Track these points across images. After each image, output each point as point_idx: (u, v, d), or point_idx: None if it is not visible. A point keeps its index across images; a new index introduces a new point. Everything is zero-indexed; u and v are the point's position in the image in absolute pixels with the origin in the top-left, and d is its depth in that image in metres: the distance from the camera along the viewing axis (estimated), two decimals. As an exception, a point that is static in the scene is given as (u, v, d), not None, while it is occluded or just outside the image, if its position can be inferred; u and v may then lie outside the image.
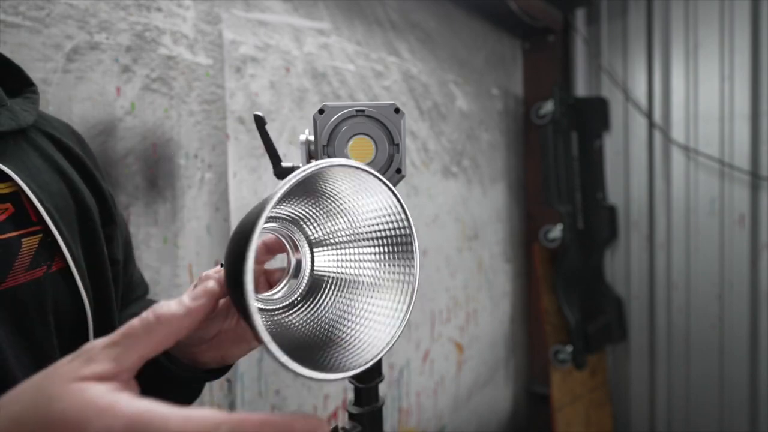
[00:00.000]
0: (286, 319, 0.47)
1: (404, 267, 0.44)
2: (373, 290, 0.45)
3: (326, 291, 0.48)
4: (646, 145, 2.08)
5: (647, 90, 2.07)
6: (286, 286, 0.52)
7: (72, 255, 0.47)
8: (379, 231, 0.45)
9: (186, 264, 0.94)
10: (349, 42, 1.31)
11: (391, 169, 0.49)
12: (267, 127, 0.51)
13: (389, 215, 0.43)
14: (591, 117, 2.05)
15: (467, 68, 1.78)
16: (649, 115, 2.06)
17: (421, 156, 1.54)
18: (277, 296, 0.50)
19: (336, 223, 0.47)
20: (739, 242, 1.93)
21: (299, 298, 0.49)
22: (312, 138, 0.49)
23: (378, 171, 0.49)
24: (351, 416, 0.52)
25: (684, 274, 2.04)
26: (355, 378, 0.53)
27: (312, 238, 0.50)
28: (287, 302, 0.49)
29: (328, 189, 0.44)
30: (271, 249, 0.53)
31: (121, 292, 0.57)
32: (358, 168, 0.39)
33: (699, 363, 2.03)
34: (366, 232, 0.46)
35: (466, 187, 1.77)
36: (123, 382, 0.30)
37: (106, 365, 0.29)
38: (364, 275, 0.46)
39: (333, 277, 0.48)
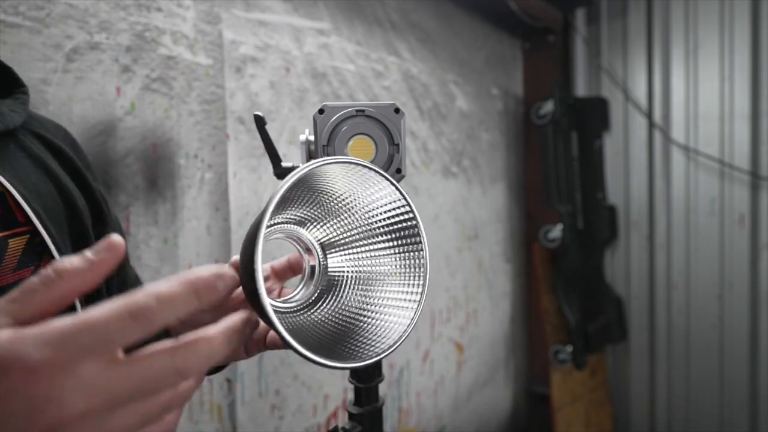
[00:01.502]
0: (305, 318, 0.48)
1: (415, 253, 0.45)
2: (388, 280, 0.46)
3: (342, 288, 0.49)
4: (646, 145, 2.08)
5: (647, 90, 2.07)
6: (303, 289, 0.52)
7: (61, 255, 0.47)
8: (386, 223, 0.46)
9: (186, 264, 0.95)
10: (349, 42, 1.31)
11: (391, 169, 0.49)
12: (267, 127, 0.51)
13: (392, 206, 0.45)
14: (591, 117, 2.05)
15: (467, 68, 1.78)
16: (649, 115, 2.06)
17: (421, 156, 1.54)
18: (294, 299, 0.51)
19: (343, 222, 0.48)
20: (739, 242, 1.93)
21: (316, 298, 0.50)
22: (312, 138, 0.49)
23: (378, 171, 0.50)
24: (351, 416, 0.53)
25: (684, 274, 2.04)
26: (355, 378, 0.53)
27: (323, 240, 0.50)
28: (304, 303, 0.50)
29: (331, 188, 0.44)
30: (294, 269, 0.55)
31: (115, 292, 0.57)
32: (355, 164, 0.39)
33: (699, 363, 2.03)
34: (373, 226, 0.47)
35: (466, 187, 1.77)
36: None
37: (2, 320, 0.26)
38: (378, 268, 0.47)
39: (347, 275, 0.49)
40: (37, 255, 0.47)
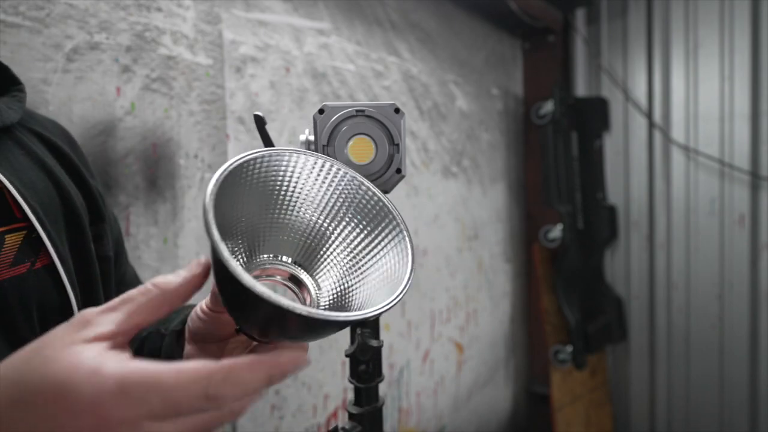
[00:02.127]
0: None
1: (389, 223, 0.42)
2: (375, 257, 0.43)
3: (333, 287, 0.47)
4: (646, 145, 2.08)
5: (647, 90, 2.07)
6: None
7: (57, 251, 0.48)
8: (345, 203, 0.43)
9: (186, 264, 0.94)
10: (349, 42, 1.31)
11: (391, 169, 0.49)
12: (267, 127, 0.51)
13: (342, 183, 0.42)
14: (591, 117, 2.05)
15: (467, 68, 1.78)
16: (649, 115, 2.06)
17: (421, 156, 1.54)
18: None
19: (304, 223, 0.44)
20: (739, 242, 1.93)
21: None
22: (312, 138, 0.49)
23: (378, 171, 0.49)
24: (351, 416, 0.53)
25: (684, 274, 2.04)
26: (355, 378, 0.53)
27: (299, 261, 0.47)
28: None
29: (278, 186, 0.42)
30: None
31: (113, 288, 0.58)
32: (265, 153, 0.37)
33: (699, 363, 2.03)
34: (334, 217, 0.44)
35: (466, 187, 1.77)
36: (119, 345, 0.30)
37: (104, 328, 0.29)
38: (362, 256, 0.44)
39: (340, 284, 0.46)
40: (33, 251, 0.47)
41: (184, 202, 0.95)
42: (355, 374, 0.52)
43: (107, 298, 0.55)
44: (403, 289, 0.37)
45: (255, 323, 0.36)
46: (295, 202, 0.43)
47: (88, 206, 0.55)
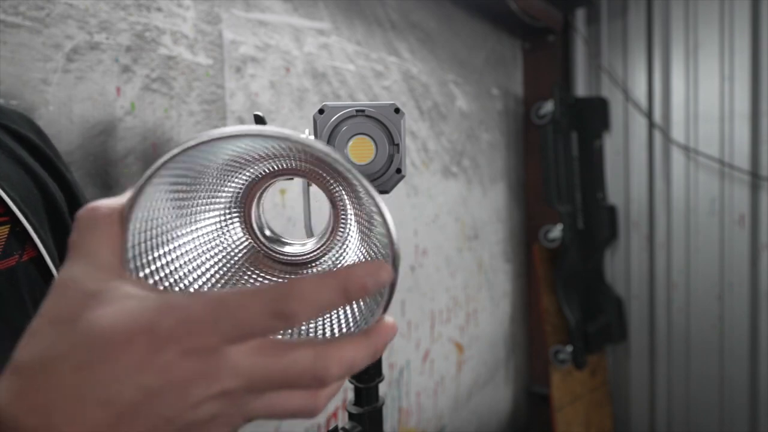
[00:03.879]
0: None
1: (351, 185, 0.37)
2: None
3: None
4: (646, 145, 2.08)
5: (647, 90, 2.07)
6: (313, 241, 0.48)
7: (43, 243, 0.48)
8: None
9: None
10: (349, 42, 1.31)
11: (391, 169, 0.49)
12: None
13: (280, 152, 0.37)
14: (591, 117, 2.05)
15: (467, 68, 1.78)
16: (649, 115, 2.06)
17: (421, 156, 1.54)
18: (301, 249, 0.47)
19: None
20: (739, 242, 1.93)
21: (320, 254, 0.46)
22: (312, 138, 0.49)
23: (378, 171, 0.49)
24: (351, 416, 0.53)
25: (684, 274, 2.04)
26: (355, 378, 0.53)
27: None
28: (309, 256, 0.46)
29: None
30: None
31: None
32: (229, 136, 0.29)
33: (699, 363, 2.03)
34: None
35: (466, 187, 1.77)
36: (127, 276, 0.28)
37: (100, 274, 0.27)
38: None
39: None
40: (19, 243, 0.47)
41: (184, 202, 0.95)
42: (354, 374, 0.52)
43: None
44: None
45: None
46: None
47: (66, 197, 0.55)
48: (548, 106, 1.90)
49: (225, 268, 0.40)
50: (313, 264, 0.46)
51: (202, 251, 0.39)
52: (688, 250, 2.02)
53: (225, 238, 0.42)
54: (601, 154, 2.10)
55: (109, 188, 0.83)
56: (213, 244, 0.40)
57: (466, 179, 1.76)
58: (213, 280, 0.38)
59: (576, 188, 1.98)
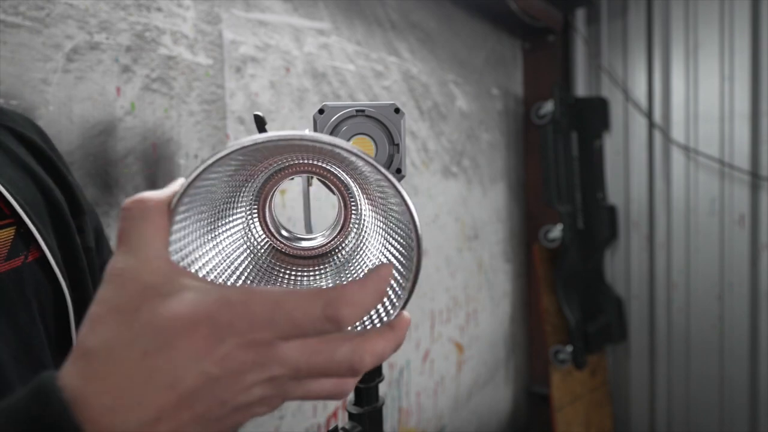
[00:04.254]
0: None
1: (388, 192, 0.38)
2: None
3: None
4: (646, 145, 2.08)
5: (647, 90, 2.07)
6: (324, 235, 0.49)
7: (47, 244, 0.49)
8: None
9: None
10: (349, 42, 1.31)
11: (391, 169, 0.49)
12: (267, 127, 0.51)
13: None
14: (591, 117, 2.05)
15: (467, 68, 1.78)
16: (649, 115, 2.06)
17: (421, 156, 1.54)
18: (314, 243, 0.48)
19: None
20: (739, 242, 1.93)
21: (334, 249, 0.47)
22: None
23: (378, 171, 0.49)
24: (351, 416, 0.53)
25: (684, 274, 2.04)
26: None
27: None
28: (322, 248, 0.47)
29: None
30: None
31: (98, 277, 0.58)
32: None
33: (699, 363, 2.03)
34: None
35: (466, 187, 1.77)
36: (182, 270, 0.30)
37: (156, 264, 0.28)
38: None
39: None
40: (24, 245, 0.48)
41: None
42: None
43: (94, 288, 0.56)
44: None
45: None
46: None
47: (67, 199, 0.56)
48: (548, 106, 1.90)
49: (257, 267, 0.43)
50: (333, 254, 0.48)
51: (232, 249, 0.41)
52: (688, 250, 2.02)
53: (249, 237, 0.45)
54: (601, 154, 2.10)
55: (109, 188, 0.83)
56: (239, 243, 0.43)
57: (466, 179, 1.76)
58: (249, 278, 0.41)
59: (576, 188, 1.98)
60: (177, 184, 0.31)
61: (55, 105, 0.76)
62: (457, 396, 1.74)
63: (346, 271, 0.45)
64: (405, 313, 0.33)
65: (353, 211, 0.47)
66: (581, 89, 2.12)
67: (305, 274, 0.46)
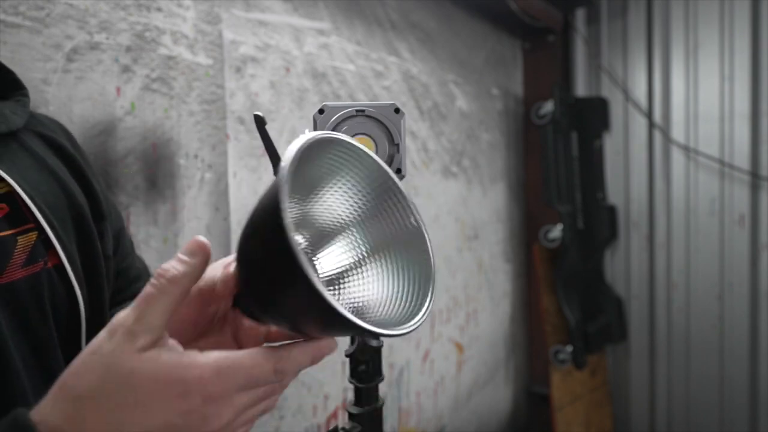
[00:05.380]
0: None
1: (401, 212, 0.42)
2: (389, 249, 0.43)
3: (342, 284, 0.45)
4: (646, 145, 2.08)
5: (647, 90, 2.07)
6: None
7: (65, 251, 0.49)
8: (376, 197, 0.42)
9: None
10: (349, 42, 1.31)
11: (391, 169, 0.49)
12: (267, 127, 0.51)
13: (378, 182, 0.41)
14: (591, 117, 2.05)
15: (467, 68, 1.78)
16: (649, 115, 2.06)
17: (421, 156, 1.54)
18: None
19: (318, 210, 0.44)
20: (739, 242, 1.93)
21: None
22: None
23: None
24: (351, 416, 0.53)
25: (684, 274, 2.04)
26: (355, 378, 0.53)
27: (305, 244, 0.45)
28: None
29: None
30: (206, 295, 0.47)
31: (112, 284, 0.59)
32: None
33: (699, 363, 2.03)
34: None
35: (466, 187, 1.77)
36: (169, 341, 0.35)
37: (151, 335, 0.33)
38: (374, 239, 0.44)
39: (342, 269, 0.45)
40: (44, 251, 0.48)
41: (184, 202, 0.95)
42: (355, 374, 0.52)
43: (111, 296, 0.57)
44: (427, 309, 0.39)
45: (293, 319, 0.37)
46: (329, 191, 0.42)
47: (90, 205, 0.56)
48: (548, 106, 1.89)
49: None
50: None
51: None
52: (688, 250, 2.02)
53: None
54: (601, 154, 2.10)
55: (109, 188, 0.84)
56: None
57: (466, 179, 1.76)
58: None
59: (576, 188, 1.98)
60: (218, 266, 0.43)
61: (55, 105, 0.76)
62: (457, 396, 1.74)
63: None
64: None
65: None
66: (581, 89, 2.12)
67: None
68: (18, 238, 0.46)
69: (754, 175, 1.89)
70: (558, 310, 1.95)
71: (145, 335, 0.33)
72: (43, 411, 0.32)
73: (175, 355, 0.34)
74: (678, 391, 2.08)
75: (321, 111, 0.49)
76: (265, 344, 0.42)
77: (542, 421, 2.03)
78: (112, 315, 0.60)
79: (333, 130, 0.49)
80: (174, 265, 0.35)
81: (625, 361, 2.19)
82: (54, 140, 0.55)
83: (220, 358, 0.33)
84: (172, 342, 0.35)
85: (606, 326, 2.04)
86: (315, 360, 0.37)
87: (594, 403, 2.08)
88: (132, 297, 0.63)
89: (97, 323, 0.53)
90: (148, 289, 0.34)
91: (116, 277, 0.61)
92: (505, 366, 2.03)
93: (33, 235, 0.48)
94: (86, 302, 0.51)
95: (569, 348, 1.89)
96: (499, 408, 2.00)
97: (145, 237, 0.89)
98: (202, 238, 0.36)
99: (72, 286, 0.50)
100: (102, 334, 0.34)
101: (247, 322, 0.44)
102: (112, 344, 0.33)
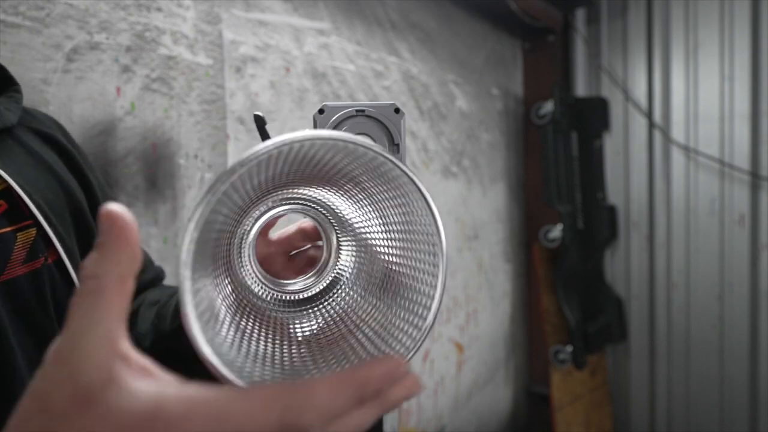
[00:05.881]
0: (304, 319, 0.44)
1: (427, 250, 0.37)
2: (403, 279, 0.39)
3: (348, 285, 0.44)
4: (646, 145, 2.08)
5: (647, 90, 2.07)
6: (304, 278, 0.50)
7: (65, 246, 0.49)
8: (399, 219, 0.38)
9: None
10: (349, 42, 1.31)
11: (391, 169, 0.49)
12: (267, 127, 0.51)
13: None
14: (591, 117, 2.05)
15: (467, 68, 1.78)
16: (649, 115, 2.06)
17: (421, 156, 1.54)
18: (291, 287, 0.48)
19: (357, 211, 0.42)
20: (739, 242, 1.93)
21: (317, 294, 0.47)
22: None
23: (378, 171, 0.49)
24: (351, 416, 0.52)
25: (684, 274, 2.04)
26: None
27: (337, 229, 0.46)
28: (302, 295, 0.47)
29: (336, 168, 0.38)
30: (308, 236, 0.51)
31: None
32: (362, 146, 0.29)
33: (699, 363, 2.03)
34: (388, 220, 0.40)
35: (466, 187, 1.77)
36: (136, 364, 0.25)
37: (109, 357, 0.24)
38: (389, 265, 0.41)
39: (354, 271, 0.44)
40: (45, 247, 0.49)
41: (184, 202, 0.95)
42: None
43: None
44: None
45: None
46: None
47: (87, 199, 0.56)
48: (548, 106, 1.89)
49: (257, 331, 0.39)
50: (325, 297, 0.46)
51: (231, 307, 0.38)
52: (688, 250, 2.02)
53: (241, 292, 0.42)
54: (601, 154, 2.10)
55: (109, 188, 0.83)
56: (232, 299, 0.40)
57: (466, 179, 1.76)
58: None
59: (576, 188, 1.98)
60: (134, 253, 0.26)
61: (55, 105, 0.76)
62: (457, 396, 1.74)
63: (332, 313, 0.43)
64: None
65: (342, 249, 0.46)
66: (581, 89, 2.12)
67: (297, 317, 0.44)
68: (17, 234, 0.46)
69: (754, 175, 1.89)
70: (558, 310, 1.95)
71: (90, 359, 0.23)
72: None
73: (130, 394, 0.23)
74: (678, 391, 2.08)
75: (321, 111, 0.49)
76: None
77: (542, 421, 2.03)
78: (140, 307, 0.61)
79: (333, 129, 0.49)
80: (92, 256, 0.25)
81: (625, 361, 2.19)
82: (49, 136, 0.55)
83: (191, 401, 0.23)
84: (132, 362, 0.25)
85: (606, 326, 2.03)
86: (362, 398, 0.24)
87: (594, 403, 2.08)
88: (137, 288, 0.63)
89: None
90: (74, 298, 0.25)
91: None
92: (505, 366, 2.03)
93: (32, 232, 0.48)
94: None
95: (569, 348, 1.89)
96: (499, 408, 2.00)
97: (145, 237, 0.89)
98: (109, 207, 0.25)
99: (73, 282, 0.50)
100: (42, 370, 0.24)
101: None
102: (51, 384, 0.23)
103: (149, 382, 0.24)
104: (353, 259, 0.46)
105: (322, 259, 0.49)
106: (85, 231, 0.54)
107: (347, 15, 1.30)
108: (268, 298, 0.46)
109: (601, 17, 2.12)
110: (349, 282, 0.45)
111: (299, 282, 0.50)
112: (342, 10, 1.29)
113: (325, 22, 1.24)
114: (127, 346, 0.24)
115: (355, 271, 0.46)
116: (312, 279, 0.49)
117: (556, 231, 1.88)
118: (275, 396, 0.23)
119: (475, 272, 1.82)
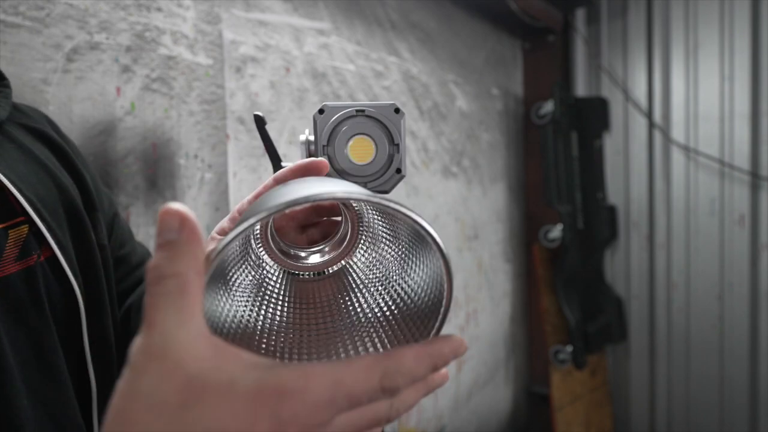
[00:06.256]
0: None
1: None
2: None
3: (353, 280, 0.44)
4: (646, 145, 2.08)
5: (647, 90, 2.07)
6: (324, 248, 0.48)
7: (58, 243, 0.48)
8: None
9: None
10: (349, 42, 1.31)
11: (391, 169, 0.49)
12: (267, 127, 0.51)
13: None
14: (591, 117, 2.05)
15: (467, 68, 1.78)
16: (649, 115, 2.06)
17: (421, 156, 1.54)
18: (304, 260, 0.47)
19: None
20: (739, 242, 1.93)
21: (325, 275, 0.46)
22: (312, 138, 0.49)
23: (378, 171, 0.49)
24: (351, 416, 0.52)
25: (684, 274, 2.04)
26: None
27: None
28: (311, 264, 0.46)
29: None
30: (319, 211, 0.48)
31: (112, 274, 0.58)
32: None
33: (699, 363, 2.03)
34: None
35: (466, 187, 1.77)
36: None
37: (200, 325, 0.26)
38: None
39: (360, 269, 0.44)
40: (38, 244, 0.48)
41: (184, 202, 0.95)
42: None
43: (108, 286, 0.55)
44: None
45: None
46: None
47: (81, 194, 0.55)
48: (548, 106, 1.89)
49: (288, 315, 0.40)
50: (346, 271, 0.46)
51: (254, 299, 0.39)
52: (688, 250, 2.02)
53: (266, 277, 0.43)
54: (601, 154, 2.10)
55: (109, 188, 0.84)
56: (257, 285, 0.41)
57: (466, 179, 1.76)
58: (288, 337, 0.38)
59: (576, 188, 1.98)
60: (202, 249, 0.27)
61: (55, 105, 0.76)
62: (457, 396, 1.74)
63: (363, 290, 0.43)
64: (444, 370, 0.32)
65: (360, 231, 0.46)
66: (581, 89, 2.12)
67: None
68: (9, 231, 0.46)
69: (754, 175, 1.89)
70: (558, 310, 1.95)
71: (193, 351, 0.25)
72: None
73: (245, 377, 0.25)
74: (678, 391, 2.08)
75: (321, 111, 0.49)
76: None
77: (542, 421, 2.03)
78: (122, 304, 0.60)
79: (333, 129, 0.49)
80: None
81: (625, 361, 2.19)
82: (40, 131, 0.54)
83: (311, 375, 0.25)
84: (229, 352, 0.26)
85: (606, 326, 2.03)
86: (437, 367, 0.28)
87: (594, 403, 2.08)
88: (137, 282, 0.63)
89: (96, 314, 0.52)
90: (153, 298, 0.25)
91: (116, 266, 0.60)
92: (505, 366, 2.03)
93: (24, 228, 0.47)
94: (83, 294, 0.50)
95: (569, 348, 1.89)
96: (499, 408, 2.00)
97: (145, 237, 0.89)
98: (175, 207, 0.26)
99: (68, 279, 0.49)
100: (134, 371, 0.24)
101: None
102: (156, 379, 0.24)
103: (251, 363, 0.25)
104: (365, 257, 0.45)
105: (341, 232, 0.47)
106: (78, 227, 0.53)
107: (347, 15, 1.30)
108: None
109: (601, 17, 2.12)
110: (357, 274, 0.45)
111: (319, 254, 0.47)
112: (342, 10, 1.29)
113: (325, 22, 1.24)
114: (216, 339, 0.26)
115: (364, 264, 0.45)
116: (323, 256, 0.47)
117: (556, 231, 1.88)
118: (375, 362, 0.26)
119: (475, 272, 1.82)
